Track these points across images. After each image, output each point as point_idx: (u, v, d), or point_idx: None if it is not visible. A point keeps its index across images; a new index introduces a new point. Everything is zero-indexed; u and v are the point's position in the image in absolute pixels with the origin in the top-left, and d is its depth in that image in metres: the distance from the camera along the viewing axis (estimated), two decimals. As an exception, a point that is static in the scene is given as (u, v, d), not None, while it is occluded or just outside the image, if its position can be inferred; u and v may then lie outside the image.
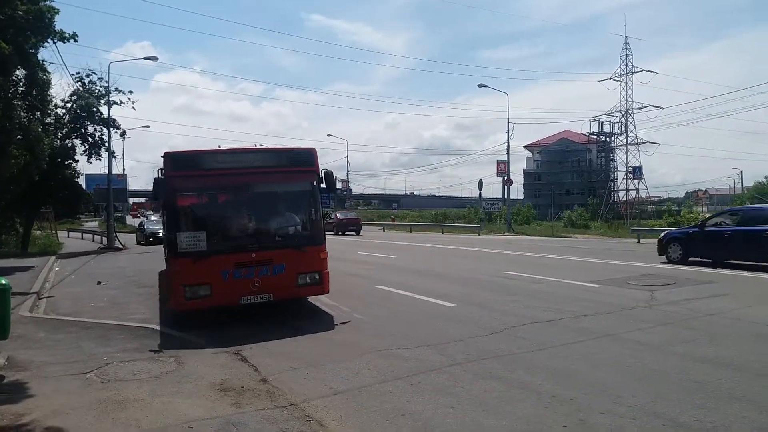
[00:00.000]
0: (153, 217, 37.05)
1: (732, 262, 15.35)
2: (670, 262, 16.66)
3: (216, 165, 9.48)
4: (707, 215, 30.63)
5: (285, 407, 5.61)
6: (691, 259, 16.30)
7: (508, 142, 44.45)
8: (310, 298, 10.73)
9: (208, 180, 9.61)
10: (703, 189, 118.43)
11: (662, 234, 18.63)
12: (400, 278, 13.83)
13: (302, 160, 9.94)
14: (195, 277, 8.91)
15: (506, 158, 44.97)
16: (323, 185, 9.86)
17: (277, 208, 10.12)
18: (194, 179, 9.49)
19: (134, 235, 38.33)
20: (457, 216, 62.03)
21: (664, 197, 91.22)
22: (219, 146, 10.04)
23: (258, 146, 10.45)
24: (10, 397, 6.09)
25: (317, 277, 9.65)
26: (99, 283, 15.30)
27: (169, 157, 9.34)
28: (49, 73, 20.86)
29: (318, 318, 9.89)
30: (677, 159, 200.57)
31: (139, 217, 64.90)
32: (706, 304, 10.09)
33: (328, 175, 9.97)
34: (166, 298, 10.09)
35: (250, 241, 9.48)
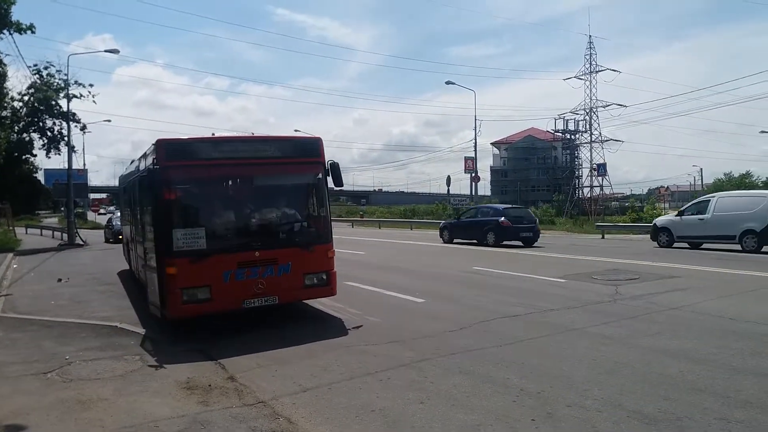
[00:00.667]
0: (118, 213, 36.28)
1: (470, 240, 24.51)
2: (444, 242, 25.85)
3: (215, 154, 8.58)
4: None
5: (253, 405, 5.54)
6: (455, 240, 25.59)
7: (476, 139, 44.81)
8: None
9: (206, 171, 8.69)
10: (665, 186, 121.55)
11: (441, 223, 28.54)
12: (369, 274, 13.82)
13: (308, 149, 9.19)
14: (193, 279, 8.05)
15: (474, 155, 45.28)
16: (329, 178, 9.19)
17: (282, 202, 9.37)
18: (191, 170, 8.51)
19: (102, 231, 37.37)
20: (426, 212, 62.20)
21: (628, 194, 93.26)
22: (213, 134, 9.12)
23: (252, 135, 9.54)
24: (-34, 398, 5.88)
25: (324, 277, 9.00)
26: (60, 280, 14.91)
27: (163, 144, 8.35)
28: (5, 65, 20.41)
29: (289, 312, 9.78)
30: (640, 156, 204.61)
31: (102, 213, 63.73)
32: (669, 298, 10.32)
33: (335, 167, 9.19)
34: (153, 303, 8.99)
35: (253, 239, 8.69)
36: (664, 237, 21.49)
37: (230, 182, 9.55)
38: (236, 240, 8.70)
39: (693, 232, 20.34)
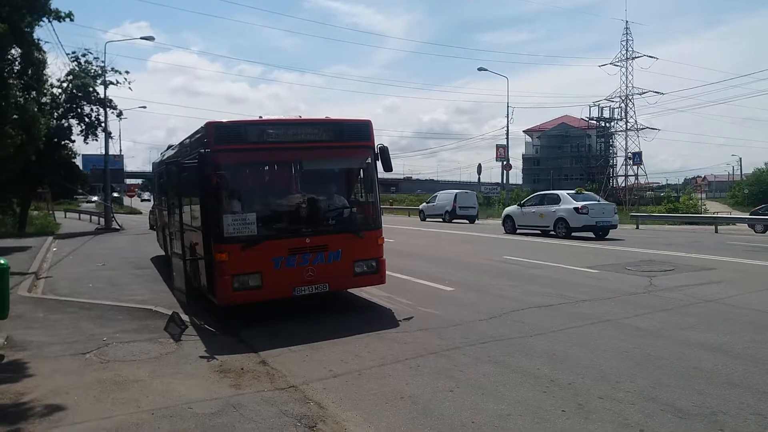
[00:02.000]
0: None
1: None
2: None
3: (265, 138, 8.35)
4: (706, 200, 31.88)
5: (284, 389, 5.61)
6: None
7: (508, 127, 44.44)
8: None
9: (256, 155, 8.57)
10: (702, 176, 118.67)
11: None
12: (398, 262, 13.81)
13: (358, 133, 8.90)
14: (244, 265, 7.90)
15: (505, 143, 44.89)
16: (379, 162, 8.95)
17: (331, 186, 9.19)
18: (242, 153, 8.33)
19: (137, 216, 38.06)
20: (456, 200, 61.94)
21: (663, 183, 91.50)
22: (260, 117, 8.88)
23: (300, 117, 9.24)
24: (10, 376, 6.09)
25: (374, 264, 8.82)
26: (102, 264, 15.26)
27: (213, 127, 8.16)
28: (44, 52, 20.68)
29: (323, 299, 9.83)
30: (677, 145, 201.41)
31: (146, 199, 64.91)
32: (704, 290, 10.11)
33: (384, 151, 8.90)
34: (193, 288, 9.07)
35: (303, 225, 8.50)
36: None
37: (280, 166, 9.46)
38: (286, 226, 8.55)
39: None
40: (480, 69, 45.69)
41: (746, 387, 5.37)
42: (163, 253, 15.85)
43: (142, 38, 33.21)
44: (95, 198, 65.12)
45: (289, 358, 6.64)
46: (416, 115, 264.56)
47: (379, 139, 9.19)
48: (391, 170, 9.23)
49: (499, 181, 51.14)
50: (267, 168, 9.78)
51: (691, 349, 6.64)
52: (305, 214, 8.64)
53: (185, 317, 8.39)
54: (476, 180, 48.75)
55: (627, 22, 71.71)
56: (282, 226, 8.52)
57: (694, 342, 6.91)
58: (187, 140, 9.98)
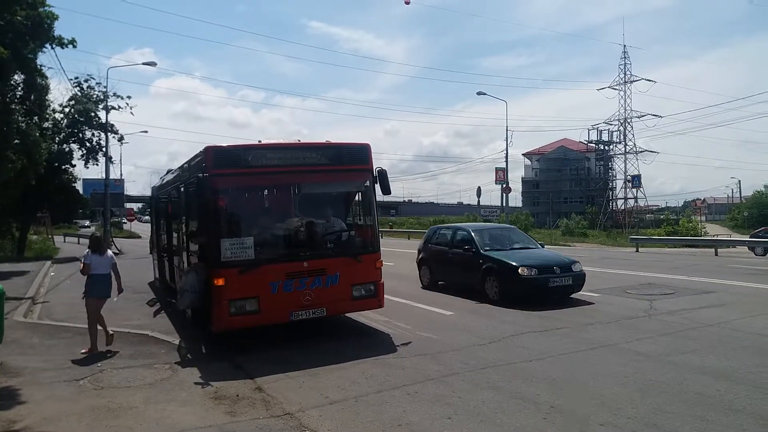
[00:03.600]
0: None
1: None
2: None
3: (264, 162, 8.34)
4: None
5: (280, 416, 5.53)
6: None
7: (507, 150, 44.37)
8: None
9: (255, 179, 8.59)
10: (701, 198, 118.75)
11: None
12: (398, 286, 13.73)
13: (357, 156, 8.89)
14: (241, 290, 7.81)
15: (505, 166, 44.93)
16: (377, 185, 8.92)
17: (330, 210, 9.19)
18: (240, 178, 8.32)
19: (136, 240, 37.98)
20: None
21: (663, 206, 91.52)
22: (259, 141, 8.91)
23: (298, 141, 9.31)
24: (2, 403, 6.01)
25: (372, 288, 8.74)
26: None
27: (211, 151, 8.10)
28: (47, 78, 20.85)
29: (321, 323, 9.74)
30: (676, 168, 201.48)
31: (139, 220, 64.83)
32: (705, 314, 10.03)
33: (383, 174, 8.90)
34: (198, 315, 8.97)
35: (301, 249, 8.42)
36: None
37: (278, 190, 9.44)
38: (284, 250, 8.52)
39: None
40: (479, 93, 46.48)
41: (749, 413, 5.29)
42: (155, 277, 15.75)
43: (144, 63, 33.70)
44: (87, 223, 64.80)
45: (286, 385, 6.55)
46: (416, 138, 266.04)
47: (380, 162, 9.29)
48: (390, 193, 9.22)
49: (499, 203, 51.17)
50: (265, 192, 9.77)
51: (692, 374, 6.55)
52: (303, 237, 8.57)
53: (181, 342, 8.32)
54: (476, 203, 48.70)
55: (625, 46, 72.73)
56: (280, 250, 8.50)
57: (695, 367, 6.82)
58: (186, 164, 10.00)
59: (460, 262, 12.95)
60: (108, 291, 8.51)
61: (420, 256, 15.02)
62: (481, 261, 12.17)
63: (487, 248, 12.50)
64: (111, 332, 8.51)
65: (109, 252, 8.88)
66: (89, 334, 8.27)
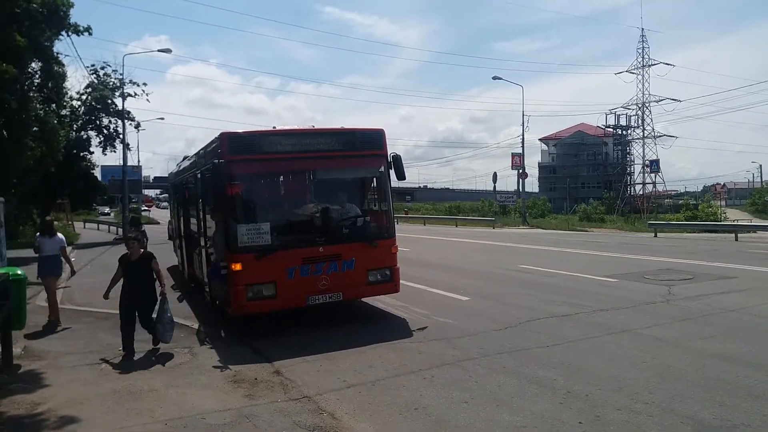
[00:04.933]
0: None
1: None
2: None
3: (279, 148, 8.42)
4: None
5: (298, 399, 5.59)
6: None
7: (523, 135, 44.12)
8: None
9: (270, 165, 8.62)
10: (721, 183, 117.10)
11: None
12: (414, 271, 13.74)
13: (371, 142, 8.90)
14: (258, 275, 7.89)
15: (521, 151, 44.64)
16: (392, 171, 8.91)
17: (345, 195, 9.23)
18: (256, 163, 8.37)
19: (155, 226, 38.36)
20: (471, 209, 61.76)
21: (681, 191, 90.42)
22: (274, 127, 8.97)
23: (313, 127, 9.26)
24: (26, 386, 6.15)
25: (388, 273, 8.78)
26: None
27: (227, 138, 8.18)
28: (64, 65, 21.08)
29: (336, 308, 9.81)
30: (695, 152, 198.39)
31: (157, 206, 65.55)
32: (725, 299, 9.92)
33: (397, 159, 8.87)
34: (214, 299, 9.20)
35: (316, 234, 8.47)
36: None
37: (293, 176, 9.47)
38: (300, 235, 8.52)
39: None
40: (495, 78, 45.52)
41: (769, 399, 5.24)
42: (177, 262, 15.93)
43: (159, 50, 33.63)
44: (107, 209, 65.77)
45: (303, 369, 6.62)
46: (431, 124, 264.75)
47: (395, 148, 9.22)
48: (405, 179, 9.23)
49: (515, 189, 50.91)
50: (281, 178, 9.81)
51: (711, 359, 6.50)
52: (319, 223, 8.64)
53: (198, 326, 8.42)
54: (492, 188, 48.51)
55: (643, 29, 70.96)
56: (296, 236, 8.51)
57: (714, 352, 6.77)
58: (202, 151, 10.06)
59: None
60: (58, 270, 9.64)
61: None
62: None
63: None
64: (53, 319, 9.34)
65: (59, 235, 9.80)
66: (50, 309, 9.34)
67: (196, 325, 8.97)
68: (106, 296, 7.83)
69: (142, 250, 7.82)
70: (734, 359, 6.48)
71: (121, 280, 7.68)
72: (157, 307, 7.60)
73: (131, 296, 7.54)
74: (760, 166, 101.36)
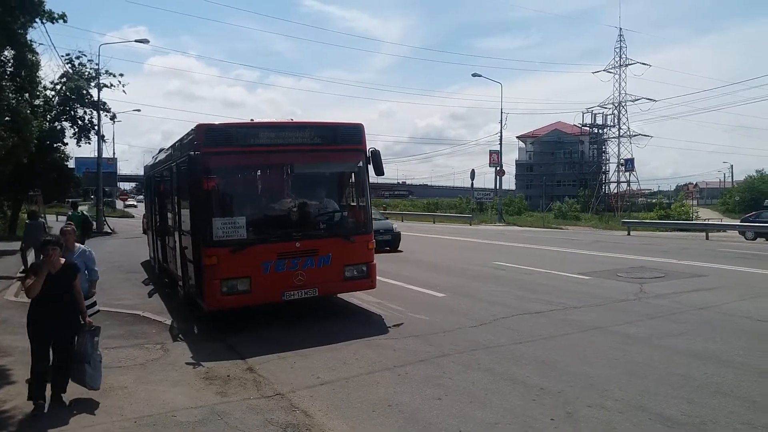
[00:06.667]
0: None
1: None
2: None
3: (256, 141, 8.28)
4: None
5: (271, 397, 5.56)
6: None
7: (501, 133, 44.38)
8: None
9: (247, 158, 8.53)
10: (694, 182, 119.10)
11: None
12: (390, 268, 13.76)
13: (350, 136, 8.83)
14: (233, 269, 7.80)
15: (499, 148, 44.92)
16: (370, 166, 8.86)
17: (322, 190, 9.20)
18: (232, 156, 8.23)
19: (129, 220, 37.86)
20: (449, 205, 62.06)
21: (655, 190, 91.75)
22: (251, 119, 8.87)
23: (291, 120, 9.18)
24: (-9, 383, 6.00)
25: (365, 269, 8.73)
26: None
27: (203, 129, 8.02)
28: (37, 54, 20.55)
29: (312, 304, 9.75)
30: (669, 152, 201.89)
31: (134, 200, 64.65)
32: (695, 297, 10.10)
33: (376, 154, 8.82)
34: (190, 293, 8.98)
35: (293, 229, 8.41)
36: None
37: (270, 170, 9.39)
38: (276, 230, 8.43)
39: None
40: (474, 75, 46.38)
41: (736, 396, 5.34)
42: (150, 256, 15.73)
43: (136, 41, 33.10)
44: (81, 201, 64.52)
45: (277, 365, 6.58)
46: (411, 120, 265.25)
47: (375, 144, 9.16)
48: (383, 174, 9.18)
49: (493, 186, 51.23)
50: (258, 171, 9.70)
51: (680, 356, 6.61)
52: (295, 217, 8.58)
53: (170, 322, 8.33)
54: (470, 185, 48.70)
55: (621, 29, 71.62)
56: (272, 230, 8.43)
57: (683, 350, 6.89)
58: (178, 143, 9.92)
59: None
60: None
61: None
62: None
63: None
64: None
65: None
66: None
67: (168, 321, 8.86)
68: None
69: (63, 260, 5.67)
70: (702, 356, 6.60)
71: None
72: (83, 340, 5.55)
73: (48, 322, 5.36)
74: (732, 166, 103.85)
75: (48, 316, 5.34)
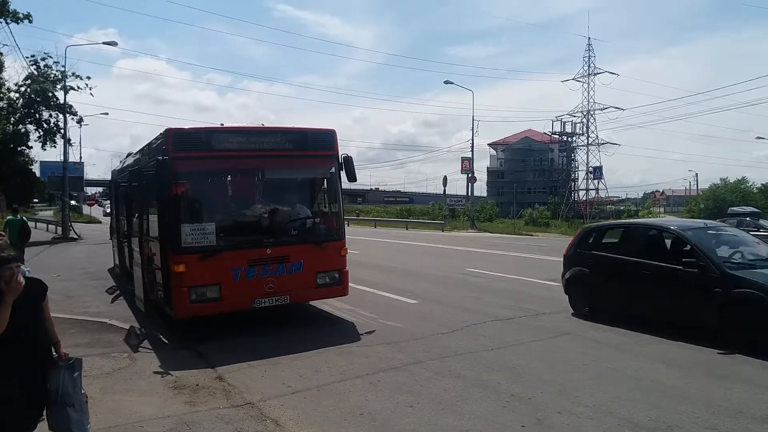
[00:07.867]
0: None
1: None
2: None
3: (227, 146, 8.16)
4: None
5: (241, 406, 5.48)
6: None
7: (473, 140, 44.66)
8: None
9: (217, 163, 8.35)
10: (661, 190, 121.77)
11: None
12: (363, 274, 13.72)
13: (323, 142, 8.78)
14: (202, 276, 7.65)
15: (471, 156, 45.24)
16: (343, 172, 8.79)
17: (294, 196, 9.10)
18: (202, 161, 8.07)
19: (96, 225, 37.08)
20: (422, 212, 62.24)
21: (623, 197, 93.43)
22: (222, 124, 8.79)
23: (263, 125, 9.09)
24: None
25: (337, 276, 8.65)
26: (57, 275, 14.75)
27: (172, 134, 7.87)
28: (1, 54, 20.18)
29: (284, 311, 9.66)
30: (636, 160, 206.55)
31: (101, 207, 63.26)
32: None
33: (348, 160, 8.75)
34: (153, 301, 8.90)
35: (264, 235, 8.26)
36: None
37: (241, 175, 9.27)
38: (247, 236, 8.27)
39: None
40: (446, 82, 46.32)
41: (702, 401, 5.44)
42: (115, 263, 15.40)
43: (104, 43, 32.77)
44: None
45: (247, 374, 6.49)
46: (384, 126, 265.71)
47: (348, 149, 9.19)
48: (356, 180, 9.15)
49: (465, 193, 51.57)
50: (228, 177, 9.58)
51: (649, 362, 6.72)
52: (266, 224, 8.41)
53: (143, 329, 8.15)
54: (442, 192, 49.01)
55: (589, 38, 72.88)
56: (242, 237, 8.29)
57: (651, 356, 7.00)
58: (147, 147, 9.76)
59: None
60: None
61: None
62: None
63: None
64: None
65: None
66: None
67: (139, 328, 8.67)
68: None
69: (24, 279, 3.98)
70: (670, 362, 6.71)
71: None
72: (59, 378, 4.14)
73: (12, 356, 3.78)
74: (696, 174, 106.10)
75: (13, 352, 3.78)
